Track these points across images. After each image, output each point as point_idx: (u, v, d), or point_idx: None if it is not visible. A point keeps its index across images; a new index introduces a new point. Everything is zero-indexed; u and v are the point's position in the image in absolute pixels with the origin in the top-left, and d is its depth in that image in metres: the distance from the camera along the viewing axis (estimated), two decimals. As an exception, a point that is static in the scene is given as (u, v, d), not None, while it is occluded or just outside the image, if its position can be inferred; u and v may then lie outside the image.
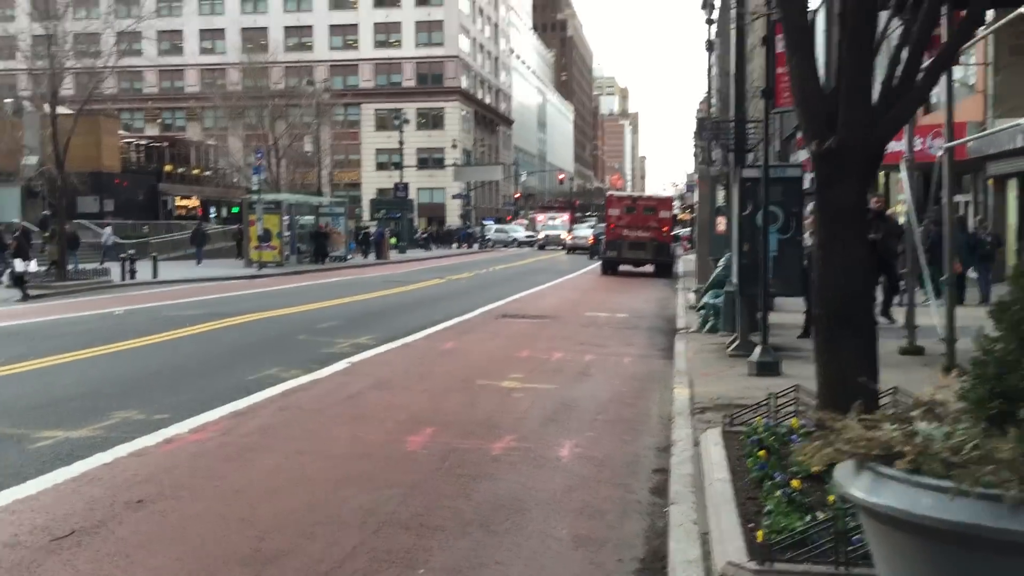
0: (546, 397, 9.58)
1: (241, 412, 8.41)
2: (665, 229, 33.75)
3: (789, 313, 15.66)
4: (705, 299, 15.71)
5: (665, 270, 33.55)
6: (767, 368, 10.53)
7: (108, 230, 39.56)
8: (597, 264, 39.90)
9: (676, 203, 45.18)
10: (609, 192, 50.41)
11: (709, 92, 30.70)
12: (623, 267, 34.23)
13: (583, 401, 9.43)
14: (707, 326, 15.24)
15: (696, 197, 55.98)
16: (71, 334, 14.49)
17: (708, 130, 30.87)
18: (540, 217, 73.54)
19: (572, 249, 56.83)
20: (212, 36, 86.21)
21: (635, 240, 33.34)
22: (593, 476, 6.62)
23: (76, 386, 9.79)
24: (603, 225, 52.43)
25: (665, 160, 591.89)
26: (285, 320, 16.85)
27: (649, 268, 34.00)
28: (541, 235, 70.58)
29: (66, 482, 6.19)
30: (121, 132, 61.18)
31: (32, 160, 39.82)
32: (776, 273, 11.28)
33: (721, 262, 16.04)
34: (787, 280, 11.33)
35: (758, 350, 10.64)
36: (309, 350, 12.73)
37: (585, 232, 58.90)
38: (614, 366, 11.96)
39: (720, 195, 24.92)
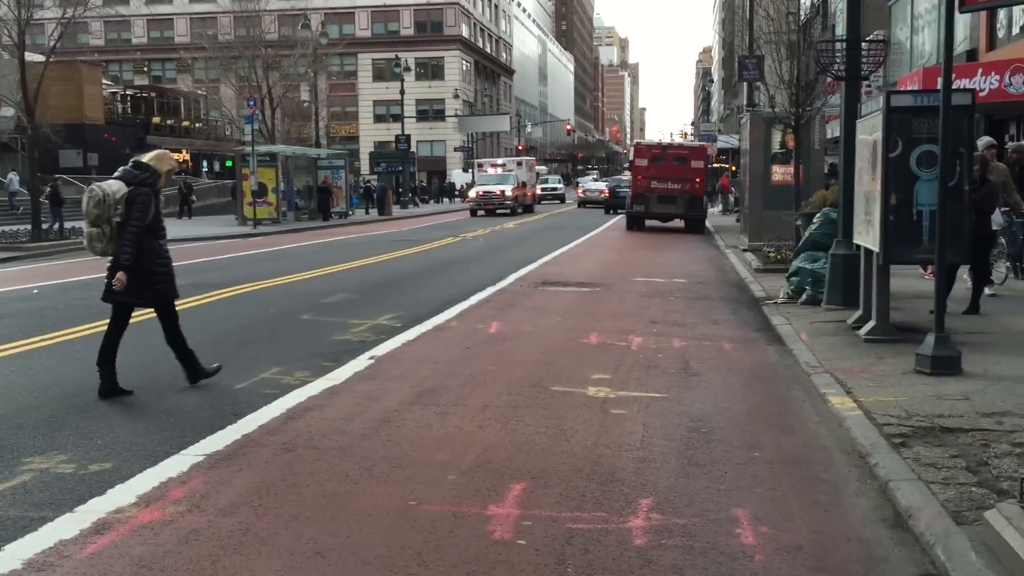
0: (659, 415, 6.75)
1: (222, 457, 5.56)
2: (698, 180, 30.72)
3: (906, 279, 12.81)
4: (797, 263, 12.83)
5: (697, 225, 30.62)
6: (947, 364, 7.70)
7: (12, 175, 36.72)
8: (617, 219, 37.09)
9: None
10: (636, 141, 47.09)
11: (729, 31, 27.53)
12: (650, 222, 31.35)
13: (715, 421, 6.60)
14: (803, 296, 12.40)
15: (718, 146, 52.89)
16: None
17: (751, 69, 27.81)
18: (490, 170, 46.61)
19: (584, 203, 53.84)
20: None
21: (665, 193, 30.36)
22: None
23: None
24: (619, 177, 49.60)
25: (665, 111, 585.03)
26: (284, 292, 13.96)
27: (678, 223, 31.13)
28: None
29: None
30: (106, 82, 57.79)
31: (8, 112, 36.71)
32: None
33: (817, 218, 13.13)
34: (953, 242, 8.43)
35: (931, 339, 7.79)
36: (317, 337, 9.87)
37: (598, 185, 55.80)
38: (717, 356, 9.12)
39: (775, 139, 21.92)
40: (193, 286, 14.32)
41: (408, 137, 59.82)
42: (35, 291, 14.33)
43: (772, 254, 17.37)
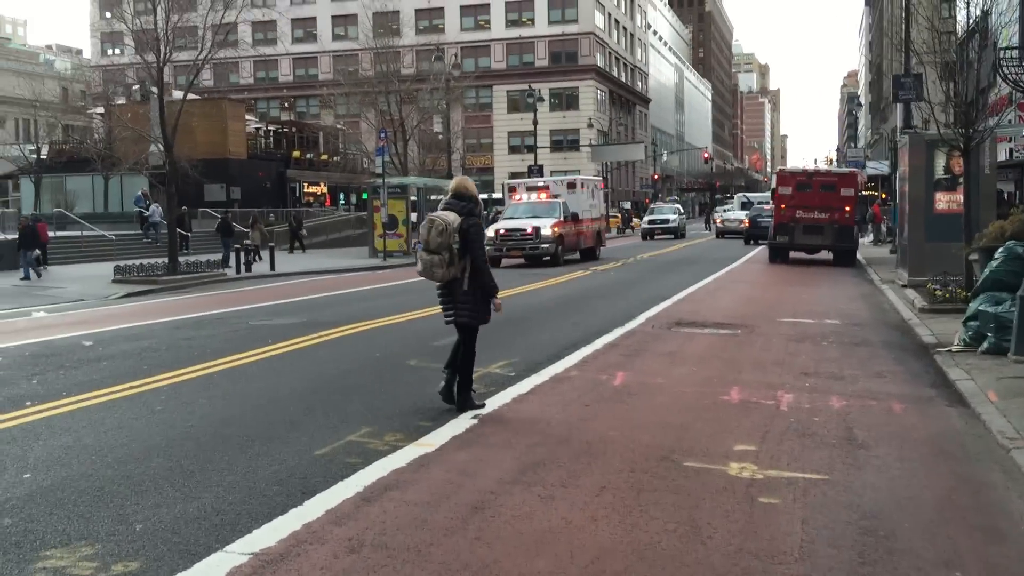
0: (821, 507, 5.35)
1: (270, 559, 4.50)
2: (848, 209, 28.50)
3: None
4: (977, 305, 11.03)
5: (847, 257, 28.40)
6: None
7: (155, 207, 37.39)
8: (758, 251, 35.09)
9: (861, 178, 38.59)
10: (779, 168, 44.29)
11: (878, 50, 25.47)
12: (794, 254, 29.34)
13: (894, 519, 5.15)
14: (984, 344, 10.61)
15: (868, 172, 49.84)
16: (95, 361, 11.12)
17: (908, 88, 25.61)
18: (524, 196, 32.32)
19: (723, 233, 51.71)
20: (344, 22, 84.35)
21: (811, 222, 28.30)
22: None
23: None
24: (760, 206, 47.22)
25: (807, 138, 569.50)
26: (396, 332, 13.09)
27: (826, 255, 29.00)
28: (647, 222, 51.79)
29: None
30: (250, 118, 59.63)
31: (153, 149, 38.01)
32: None
33: (1000, 253, 11.30)
34: None
35: None
36: (419, 388, 8.85)
37: (738, 214, 53.59)
38: (886, 421, 7.59)
39: (938, 164, 19.79)
40: (304, 325, 13.68)
41: (541, 167, 59.22)
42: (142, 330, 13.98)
43: (939, 292, 15.41)
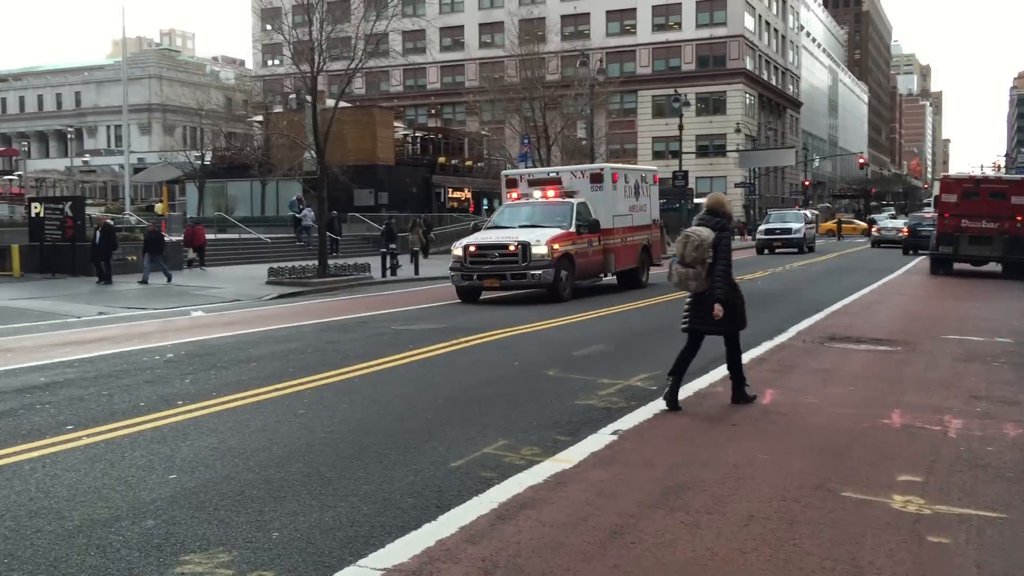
0: (999, 550, 4.81)
1: (405, 574, 4.39)
2: (1020, 219, 26.60)
3: None
4: None
5: (1018, 270, 26.50)
6: None
7: (307, 211, 38.19)
8: (916, 261, 33.29)
9: None
10: (943, 174, 41.70)
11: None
12: (959, 266, 27.62)
13: (1089, 571, 4.57)
14: None
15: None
16: (245, 362, 11.41)
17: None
18: (515, 194, 21.99)
19: (879, 243, 49.43)
20: (491, 30, 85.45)
21: (978, 232, 26.61)
22: None
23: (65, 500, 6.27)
24: (922, 214, 44.80)
25: (971, 143, 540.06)
26: (536, 340, 12.94)
27: (994, 267, 27.16)
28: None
29: None
30: (398, 125, 61.10)
31: (310, 154, 39.45)
32: None
33: None
34: None
35: None
36: (557, 400, 8.64)
37: (896, 223, 51.14)
38: (1072, 455, 6.86)
39: None
40: (443, 331, 13.73)
41: (686, 173, 58.17)
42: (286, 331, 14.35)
43: None
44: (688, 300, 8.26)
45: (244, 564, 4.52)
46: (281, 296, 22.74)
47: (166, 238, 28.60)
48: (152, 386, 9.46)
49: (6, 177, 78.30)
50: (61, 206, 28.40)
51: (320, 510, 5.38)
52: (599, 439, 7.05)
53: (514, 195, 22.14)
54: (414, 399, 8.76)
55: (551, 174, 23.17)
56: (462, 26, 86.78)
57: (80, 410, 8.29)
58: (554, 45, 68.82)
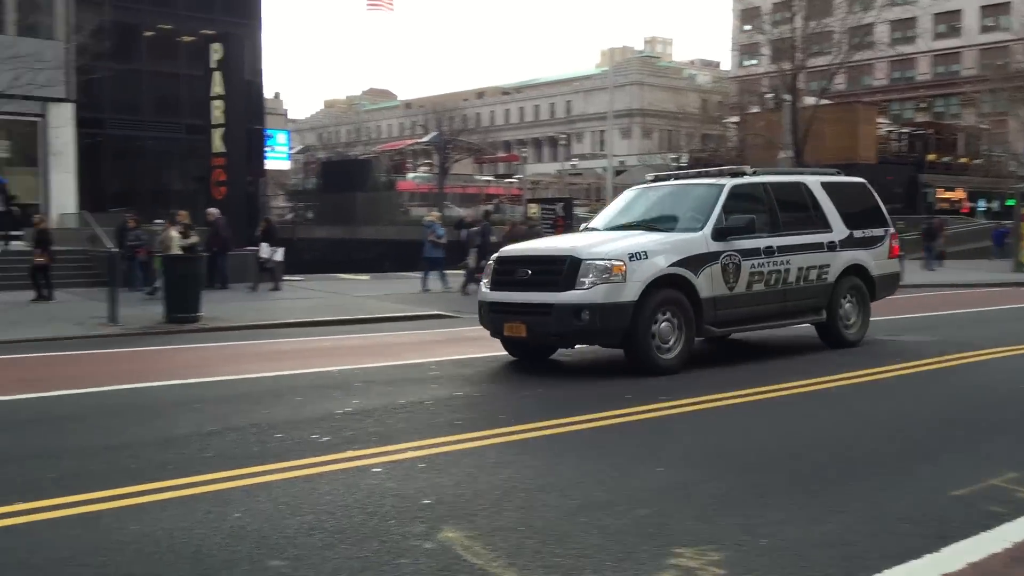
0: None
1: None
2: None
3: None
4: None
5: None
6: None
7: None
8: None
9: None
10: None
11: None
12: None
13: None
14: None
15: None
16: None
17: None
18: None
19: None
20: (995, 12, 77.05)
21: None
22: None
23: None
24: None
25: None
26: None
27: None
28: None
29: None
30: (882, 121, 57.72)
31: (782, 155, 38.92)
32: None
33: None
34: None
35: None
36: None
37: None
38: None
39: None
40: (935, 344, 12.67)
41: None
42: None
43: None
44: None
45: (736, 566, 4.55)
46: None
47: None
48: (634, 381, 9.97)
49: (507, 180, 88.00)
50: (554, 207, 31.25)
51: (808, 522, 5.24)
52: None
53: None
54: (903, 416, 8.18)
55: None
56: (959, 10, 79.34)
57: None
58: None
